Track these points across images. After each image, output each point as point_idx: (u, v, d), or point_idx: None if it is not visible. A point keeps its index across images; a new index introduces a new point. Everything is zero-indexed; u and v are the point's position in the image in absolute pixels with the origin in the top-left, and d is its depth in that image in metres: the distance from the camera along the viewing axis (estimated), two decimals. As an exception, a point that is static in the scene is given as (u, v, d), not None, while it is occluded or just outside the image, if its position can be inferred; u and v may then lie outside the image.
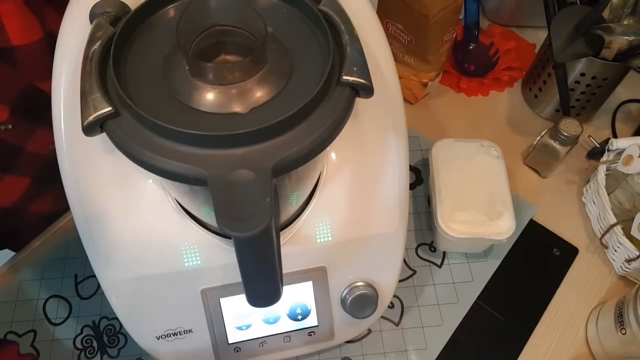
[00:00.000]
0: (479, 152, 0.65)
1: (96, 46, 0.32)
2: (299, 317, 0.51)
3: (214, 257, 0.46)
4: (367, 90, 0.32)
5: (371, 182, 0.48)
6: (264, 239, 0.28)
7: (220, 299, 0.48)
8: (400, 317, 0.61)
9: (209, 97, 0.31)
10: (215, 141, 0.29)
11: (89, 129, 0.30)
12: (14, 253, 0.64)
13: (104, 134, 0.30)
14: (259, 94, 0.31)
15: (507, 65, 0.82)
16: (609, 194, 0.63)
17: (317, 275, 0.49)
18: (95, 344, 0.58)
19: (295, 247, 0.47)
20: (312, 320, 0.51)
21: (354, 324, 0.53)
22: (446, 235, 0.60)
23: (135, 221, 0.44)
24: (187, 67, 0.31)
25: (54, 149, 0.41)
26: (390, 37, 0.74)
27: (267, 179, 0.28)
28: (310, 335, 0.52)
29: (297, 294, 0.50)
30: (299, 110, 0.29)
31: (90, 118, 0.29)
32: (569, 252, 0.66)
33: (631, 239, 0.59)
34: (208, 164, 0.28)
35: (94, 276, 0.46)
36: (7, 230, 0.65)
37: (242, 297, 0.47)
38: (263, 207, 0.27)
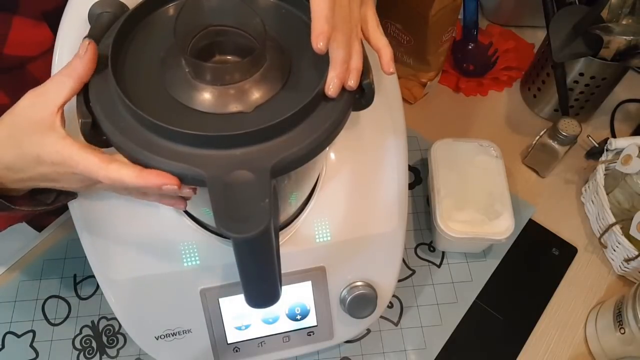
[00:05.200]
0: (478, 152, 0.65)
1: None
2: (298, 317, 0.51)
3: (213, 257, 0.46)
4: (367, 89, 0.32)
5: (370, 182, 0.48)
6: (263, 240, 0.28)
7: (219, 299, 0.48)
8: (400, 317, 0.61)
9: (208, 97, 0.31)
10: (214, 142, 0.29)
11: (84, 135, 0.30)
12: (13, 254, 0.64)
13: None
14: (258, 94, 0.31)
15: (506, 65, 0.82)
16: (607, 194, 0.63)
17: (316, 275, 0.49)
18: (94, 344, 0.58)
19: (294, 247, 0.47)
20: (311, 320, 0.51)
21: (353, 323, 0.53)
22: (445, 235, 0.60)
23: (134, 221, 0.44)
24: (186, 69, 0.31)
25: None
26: (389, 37, 0.74)
27: (266, 179, 0.28)
28: (310, 335, 0.52)
29: (296, 294, 0.50)
30: (298, 111, 0.29)
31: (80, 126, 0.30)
32: (568, 252, 0.66)
33: (630, 238, 0.59)
34: (207, 165, 0.28)
35: (93, 276, 0.46)
36: None
37: (241, 297, 0.47)
38: (262, 208, 0.27)
